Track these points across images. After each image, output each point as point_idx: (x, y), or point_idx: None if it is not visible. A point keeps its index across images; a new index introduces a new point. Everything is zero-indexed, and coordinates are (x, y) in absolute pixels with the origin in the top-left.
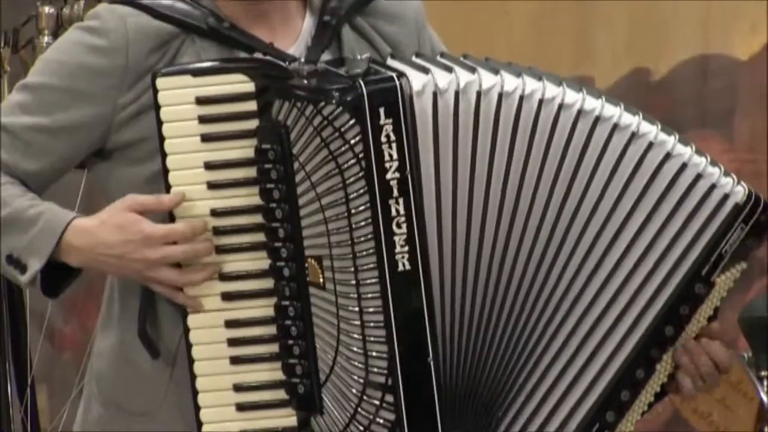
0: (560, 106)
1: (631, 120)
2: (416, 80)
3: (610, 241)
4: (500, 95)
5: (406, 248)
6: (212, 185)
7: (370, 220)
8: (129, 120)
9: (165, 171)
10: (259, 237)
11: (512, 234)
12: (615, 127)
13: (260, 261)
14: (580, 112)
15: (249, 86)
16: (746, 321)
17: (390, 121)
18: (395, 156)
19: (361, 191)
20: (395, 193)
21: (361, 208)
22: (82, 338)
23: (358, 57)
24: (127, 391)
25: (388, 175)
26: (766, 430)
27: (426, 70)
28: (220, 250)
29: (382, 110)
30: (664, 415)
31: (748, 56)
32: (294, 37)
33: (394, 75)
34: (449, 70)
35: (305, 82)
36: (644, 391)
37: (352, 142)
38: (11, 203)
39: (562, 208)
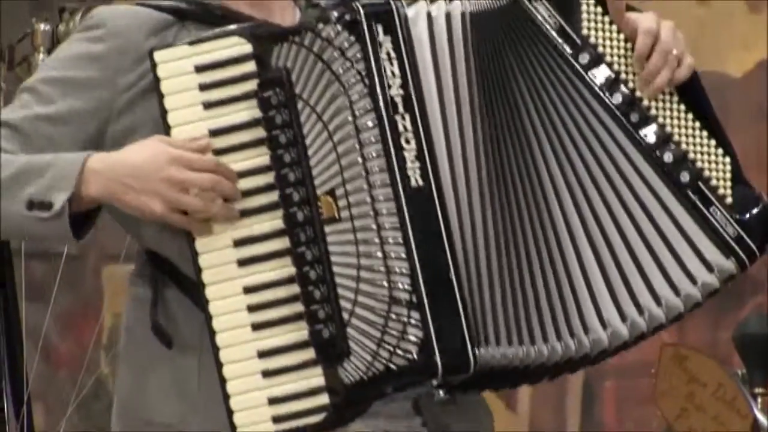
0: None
1: None
2: (409, 9)
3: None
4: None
5: (417, 164)
6: (218, 151)
7: (379, 137)
8: (129, 104)
9: None
10: (272, 197)
11: (508, 141)
12: None
13: (275, 222)
14: None
15: (246, 47)
16: (740, 338)
17: (389, 38)
18: (397, 72)
19: (368, 108)
20: (400, 108)
21: (369, 124)
22: (78, 356)
23: None
24: (158, 403)
25: (392, 91)
26: None
27: (414, 1)
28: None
29: (379, 27)
30: None
31: (741, 73)
32: (290, 24)
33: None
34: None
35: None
36: (669, 125)
37: (354, 60)
38: (20, 159)
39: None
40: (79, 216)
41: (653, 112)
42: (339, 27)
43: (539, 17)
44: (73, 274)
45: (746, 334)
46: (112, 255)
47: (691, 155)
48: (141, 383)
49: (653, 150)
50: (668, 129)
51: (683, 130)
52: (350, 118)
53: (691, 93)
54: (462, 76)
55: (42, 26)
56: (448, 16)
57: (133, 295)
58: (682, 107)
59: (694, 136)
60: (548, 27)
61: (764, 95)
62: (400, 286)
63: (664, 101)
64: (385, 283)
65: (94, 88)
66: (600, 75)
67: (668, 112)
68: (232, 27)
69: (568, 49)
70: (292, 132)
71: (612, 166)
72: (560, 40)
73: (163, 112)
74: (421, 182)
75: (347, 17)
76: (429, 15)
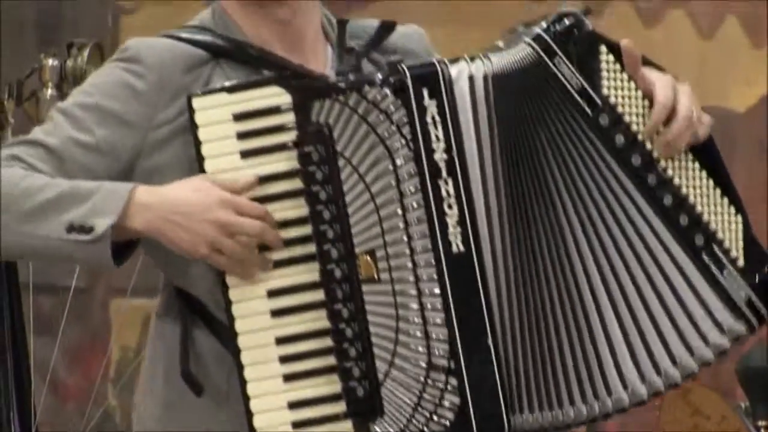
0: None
1: None
2: (452, 68)
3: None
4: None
5: (459, 229)
6: (255, 200)
7: (422, 202)
8: (163, 141)
9: None
10: (309, 248)
11: (535, 205)
12: None
13: (311, 273)
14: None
15: (285, 98)
16: (743, 371)
17: (434, 102)
18: (441, 137)
19: (412, 173)
20: (444, 173)
21: (412, 189)
22: (86, 388)
23: (391, 58)
24: None
25: (436, 156)
26: None
27: (456, 60)
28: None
29: (425, 91)
30: None
31: (744, 108)
32: (323, 65)
33: (434, 60)
34: (471, 59)
35: (343, 80)
36: (685, 185)
37: (400, 124)
38: (63, 183)
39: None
40: (117, 245)
41: (669, 172)
42: (386, 90)
43: (562, 78)
44: (80, 307)
45: (749, 367)
46: (120, 289)
47: (706, 216)
48: (166, 419)
49: (670, 213)
50: (684, 190)
51: (698, 190)
52: (393, 183)
53: (703, 149)
54: (495, 138)
55: (50, 62)
56: (486, 78)
57: (159, 330)
58: (696, 165)
59: (708, 196)
60: (570, 88)
61: (766, 130)
62: (438, 352)
63: (679, 160)
64: (423, 348)
65: (131, 123)
66: (620, 136)
67: (683, 172)
68: (272, 76)
69: (588, 111)
70: (331, 188)
71: (632, 230)
72: (581, 101)
73: (200, 160)
74: (462, 248)
75: (393, 80)
76: (471, 77)
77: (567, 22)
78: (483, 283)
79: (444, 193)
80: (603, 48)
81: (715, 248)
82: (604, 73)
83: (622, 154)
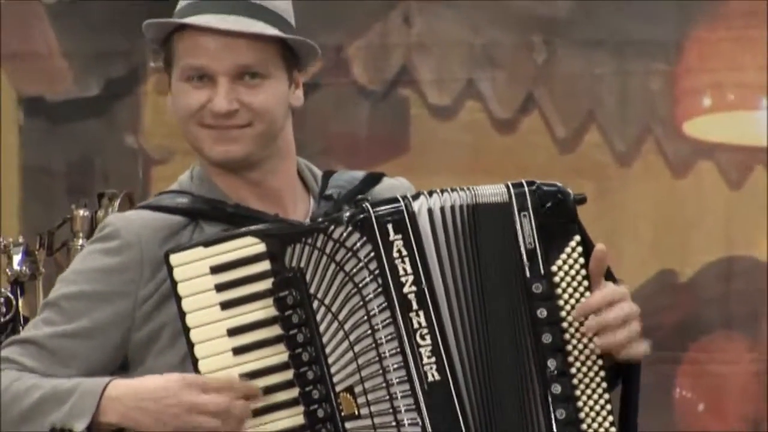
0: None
1: None
2: (414, 203)
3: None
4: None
5: (433, 359)
6: (237, 350)
7: (394, 335)
8: (150, 313)
9: (190, 345)
10: (291, 394)
11: (508, 325)
12: None
13: (295, 418)
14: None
15: (260, 247)
16: None
17: (399, 237)
18: (409, 270)
19: (382, 306)
20: (414, 306)
21: (384, 323)
22: None
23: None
24: None
25: (405, 289)
26: None
27: (417, 196)
28: (255, 412)
29: (390, 227)
30: None
31: None
32: (303, 215)
33: (398, 196)
34: (429, 194)
35: (313, 224)
36: (581, 390)
37: (366, 260)
38: (45, 385)
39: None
40: None
41: (573, 370)
42: (350, 228)
43: (519, 230)
44: None
45: None
46: None
47: (584, 426)
48: None
49: (552, 402)
50: (577, 392)
51: (590, 401)
52: (365, 317)
53: (626, 372)
54: (456, 268)
55: (81, 212)
56: (443, 210)
57: None
58: (604, 385)
59: (596, 413)
60: (522, 244)
61: None
62: None
63: (589, 367)
64: None
65: (115, 300)
66: (543, 310)
67: (587, 379)
68: (245, 228)
69: (527, 272)
70: (309, 330)
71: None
72: (525, 261)
73: (182, 315)
74: (437, 376)
75: (358, 218)
76: (430, 210)
77: (554, 190)
78: (461, 408)
79: (416, 325)
80: (577, 237)
81: None
82: (564, 256)
83: (538, 327)
